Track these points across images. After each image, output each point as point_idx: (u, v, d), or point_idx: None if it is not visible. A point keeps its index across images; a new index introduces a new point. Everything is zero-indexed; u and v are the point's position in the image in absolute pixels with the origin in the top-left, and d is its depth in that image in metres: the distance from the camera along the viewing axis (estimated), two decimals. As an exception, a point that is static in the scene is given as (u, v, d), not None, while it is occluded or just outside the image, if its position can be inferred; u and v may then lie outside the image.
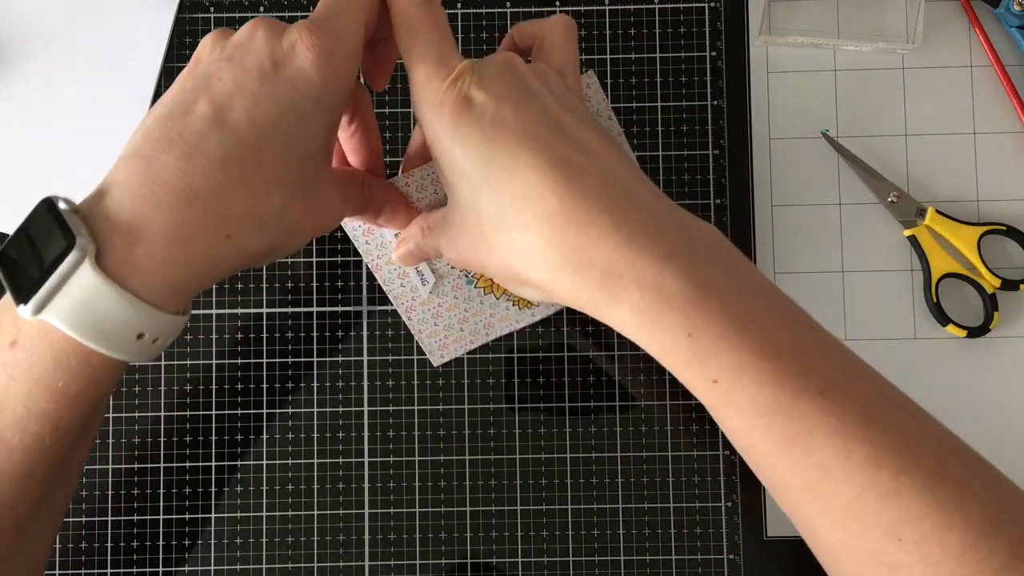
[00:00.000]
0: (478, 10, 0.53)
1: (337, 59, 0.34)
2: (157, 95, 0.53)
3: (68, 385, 0.33)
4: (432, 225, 0.40)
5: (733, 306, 0.32)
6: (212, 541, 0.51)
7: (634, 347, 0.52)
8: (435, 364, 0.46)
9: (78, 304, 0.31)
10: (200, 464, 0.52)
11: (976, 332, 0.51)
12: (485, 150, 0.33)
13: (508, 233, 0.34)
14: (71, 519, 0.51)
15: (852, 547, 0.33)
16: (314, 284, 0.52)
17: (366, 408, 0.52)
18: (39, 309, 0.31)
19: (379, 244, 0.43)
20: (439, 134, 0.34)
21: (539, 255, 0.33)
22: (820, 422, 0.32)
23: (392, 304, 0.43)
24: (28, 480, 0.34)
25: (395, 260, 0.43)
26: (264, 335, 0.52)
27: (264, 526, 0.51)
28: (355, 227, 0.43)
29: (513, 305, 0.47)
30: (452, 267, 0.45)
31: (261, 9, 0.53)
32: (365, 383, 0.52)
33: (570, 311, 0.52)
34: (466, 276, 0.46)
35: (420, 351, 0.52)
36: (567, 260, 0.33)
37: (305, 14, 0.53)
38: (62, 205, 0.32)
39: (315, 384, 0.52)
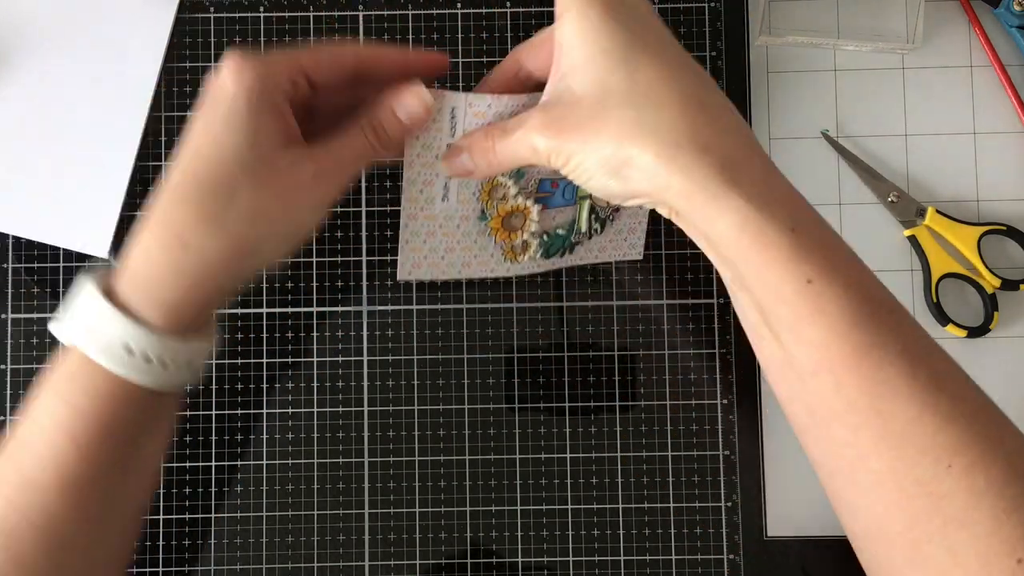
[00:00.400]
0: (478, 10, 0.53)
1: (250, 64, 0.38)
2: (157, 95, 0.53)
3: (79, 398, 0.38)
4: (508, 128, 0.41)
5: (824, 220, 0.37)
6: (212, 541, 0.51)
7: (634, 347, 0.52)
8: (399, 278, 0.45)
9: (79, 319, 0.38)
10: (200, 464, 0.52)
11: (976, 332, 0.51)
12: (640, 30, 0.37)
13: (638, 108, 0.36)
14: (71, 519, 0.51)
15: (901, 476, 0.34)
16: (314, 284, 0.52)
17: (366, 408, 0.52)
18: (59, 326, 0.39)
19: (425, 144, 0.43)
20: (592, 7, 0.37)
21: (668, 131, 0.36)
22: (893, 338, 0.35)
23: (399, 205, 0.43)
24: (58, 494, 0.38)
25: (441, 167, 0.43)
26: (264, 335, 0.52)
27: (264, 526, 0.51)
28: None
29: (501, 253, 0.47)
30: (475, 197, 0.45)
31: (261, 9, 0.53)
32: (365, 383, 0.52)
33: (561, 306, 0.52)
34: (482, 210, 0.46)
35: (420, 351, 0.52)
36: (694, 139, 0.36)
37: (305, 14, 0.53)
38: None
39: (315, 384, 0.52)
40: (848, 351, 0.35)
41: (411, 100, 0.41)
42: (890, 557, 0.35)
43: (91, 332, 0.38)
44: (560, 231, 0.47)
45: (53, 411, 0.38)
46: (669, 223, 0.38)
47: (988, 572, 0.33)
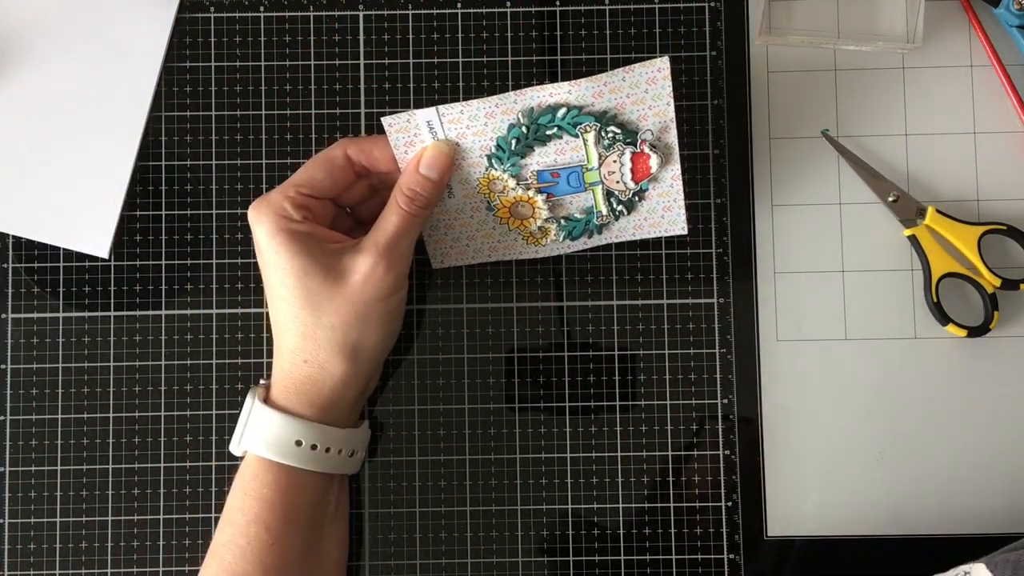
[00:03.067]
0: (478, 10, 0.53)
1: (262, 209, 0.45)
2: (157, 95, 0.53)
3: (262, 490, 0.45)
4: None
5: None
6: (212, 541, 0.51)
7: (634, 347, 0.52)
8: (434, 266, 0.50)
9: (253, 428, 0.45)
10: (200, 464, 0.52)
11: (976, 332, 0.51)
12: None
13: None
14: (71, 519, 0.51)
15: None
16: (314, 284, 0.52)
17: (366, 408, 0.52)
18: (238, 444, 0.46)
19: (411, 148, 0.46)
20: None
21: None
22: None
23: None
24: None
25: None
26: (264, 335, 0.52)
27: (264, 526, 0.51)
28: (396, 139, 0.46)
29: (522, 239, 0.49)
30: (476, 190, 0.48)
31: (261, 9, 0.53)
32: (365, 383, 0.52)
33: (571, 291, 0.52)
34: (487, 203, 0.48)
35: (420, 351, 0.52)
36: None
37: (305, 14, 0.53)
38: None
39: (315, 384, 0.52)
40: None
41: (433, 154, 0.45)
42: None
43: (263, 436, 0.45)
44: (577, 215, 0.48)
45: (244, 507, 0.45)
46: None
47: None
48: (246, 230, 0.52)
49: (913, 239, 0.51)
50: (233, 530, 0.45)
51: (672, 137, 0.46)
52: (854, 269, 0.52)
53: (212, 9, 0.54)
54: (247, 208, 0.46)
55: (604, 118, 0.45)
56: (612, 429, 0.52)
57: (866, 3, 0.53)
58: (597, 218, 0.48)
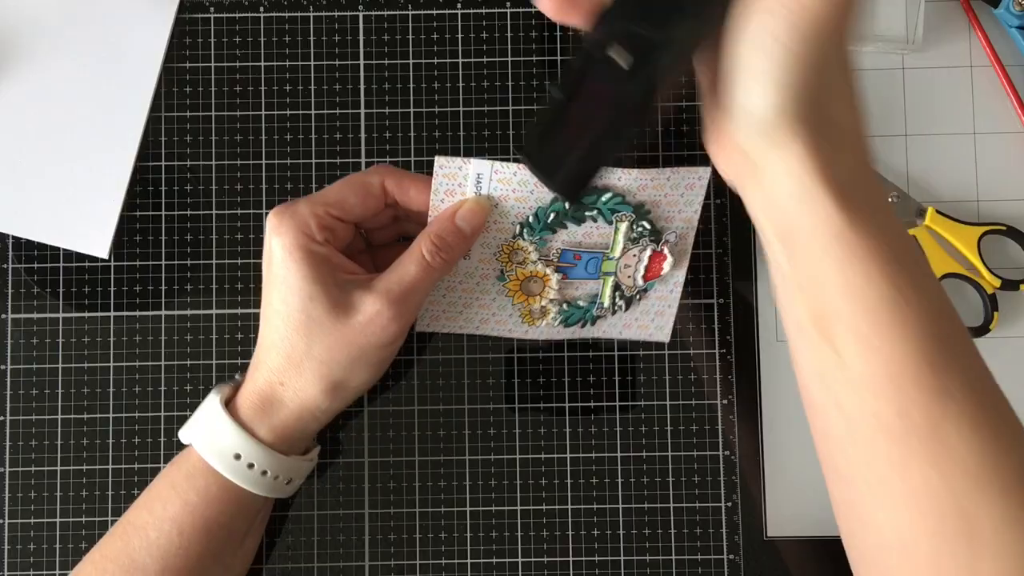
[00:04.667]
0: (478, 10, 0.53)
1: (285, 220, 0.43)
2: (157, 95, 0.53)
3: (189, 493, 0.44)
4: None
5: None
6: (212, 541, 0.51)
7: (634, 347, 0.52)
8: (417, 329, 0.48)
9: (203, 427, 0.44)
10: (200, 464, 0.52)
11: (976, 332, 0.51)
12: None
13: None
14: (71, 519, 0.51)
15: (939, 494, 0.33)
16: (314, 284, 0.52)
17: (366, 408, 0.52)
18: (186, 433, 0.45)
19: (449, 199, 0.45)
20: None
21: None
22: (968, 364, 0.34)
23: None
24: None
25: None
26: (264, 335, 0.52)
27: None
28: (440, 183, 0.44)
29: (519, 315, 0.48)
30: (495, 257, 0.46)
31: (261, 9, 0.53)
32: (365, 383, 0.52)
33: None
34: (501, 271, 0.47)
35: (420, 351, 0.52)
36: (812, 101, 0.33)
37: (305, 14, 0.53)
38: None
39: (315, 384, 0.52)
40: (923, 368, 0.33)
41: (473, 207, 0.43)
42: (903, 570, 0.34)
43: (209, 437, 0.44)
44: (581, 302, 0.47)
45: (167, 502, 0.44)
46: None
47: None
48: (246, 230, 0.52)
49: (913, 239, 0.51)
50: (149, 518, 0.44)
51: (689, 243, 0.47)
52: (854, 269, 0.52)
53: (212, 9, 0.54)
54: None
55: (640, 211, 0.45)
56: (612, 429, 0.52)
57: (866, 3, 0.53)
58: (597, 309, 0.48)
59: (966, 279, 0.51)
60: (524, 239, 0.45)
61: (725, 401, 0.52)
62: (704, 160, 0.40)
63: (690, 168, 0.44)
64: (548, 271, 0.46)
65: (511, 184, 0.44)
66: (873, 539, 0.35)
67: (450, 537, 0.51)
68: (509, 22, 0.53)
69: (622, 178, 0.44)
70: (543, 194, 0.44)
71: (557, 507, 0.51)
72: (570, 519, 0.51)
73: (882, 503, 0.34)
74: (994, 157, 0.53)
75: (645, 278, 0.47)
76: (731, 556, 0.51)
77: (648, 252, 0.46)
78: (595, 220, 0.45)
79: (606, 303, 0.47)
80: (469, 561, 0.51)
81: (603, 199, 0.44)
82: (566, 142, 0.36)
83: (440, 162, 0.43)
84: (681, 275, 0.48)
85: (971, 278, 0.51)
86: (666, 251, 0.46)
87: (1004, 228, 0.51)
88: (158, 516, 0.44)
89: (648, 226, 0.46)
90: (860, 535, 0.36)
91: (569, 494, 0.51)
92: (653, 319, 0.49)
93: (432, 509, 0.51)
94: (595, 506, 0.51)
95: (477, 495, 0.51)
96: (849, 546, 0.37)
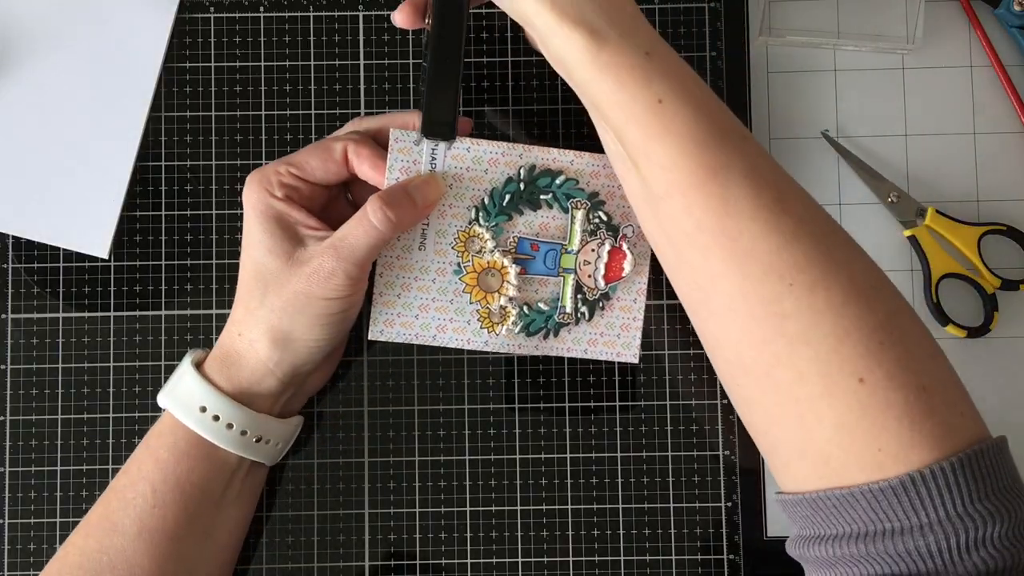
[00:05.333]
0: (478, 10, 0.53)
1: (254, 180, 0.45)
2: (157, 95, 0.53)
3: (160, 451, 0.45)
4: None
5: (677, 54, 0.40)
6: (212, 541, 0.51)
7: (634, 347, 0.52)
8: (370, 336, 0.46)
9: (172, 384, 0.46)
10: (200, 464, 0.52)
11: (976, 332, 0.51)
12: None
13: None
14: (71, 519, 0.51)
15: (749, 297, 0.36)
16: (314, 284, 0.52)
17: (366, 408, 0.52)
18: (162, 394, 0.46)
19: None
20: None
21: None
22: (739, 160, 0.37)
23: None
24: (136, 540, 0.44)
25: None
26: (264, 335, 0.52)
27: (264, 526, 0.51)
28: (395, 159, 0.45)
29: (478, 318, 0.47)
30: (451, 246, 0.46)
31: (261, 9, 0.53)
32: (365, 383, 0.52)
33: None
34: (458, 263, 0.46)
35: (420, 351, 0.52)
36: None
37: (305, 14, 0.53)
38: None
39: (315, 384, 0.52)
40: (695, 170, 0.36)
41: (427, 180, 0.45)
42: (748, 385, 0.37)
43: (176, 392, 0.45)
44: (542, 306, 0.46)
45: (141, 462, 0.45)
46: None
47: (831, 392, 0.34)
48: (246, 230, 0.52)
49: (913, 240, 0.51)
50: (126, 480, 0.45)
51: (648, 245, 0.45)
52: (854, 269, 0.52)
53: (212, 9, 0.54)
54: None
55: (595, 200, 0.46)
56: (612, 429, 0.52)
57: (866, 3, 0.53)
58: (559, 314, 0.46)
59: (966, 279, 0.51)
60: (480, 224, 0.46)
61: (725, 401, 0.52)
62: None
63: None
64: (506, 262, 0.46)
65: (466, 161, 0.45)
66: (721, 359, 0.39)
67: (450, 537, 0.51)
68: (509, 22, 0.53)
69: (574, 161, 0.45)
70: (497, 173, 0.45)
71: (557, 507, 0.51)
72: (570, 519, 0.51)
73: (714, 320, 0.38)
74: (994, 157, 0.53)
75: (606, 279, 0.46)
76: (731, 556, 0.51)
77: (607, 246, 0.46)
78: (550, 206, 0.46)
79: (568, 306, 0.46)
80: (469, 561, 0.51)
81: (557, 182, 0.45)
82: (428, 95, 0.44)
83: (395, 135, 0.44)
84: (643, 282, 0.47)
85: (971, 278, 0.51)
86: (625, 248, 0.46)
87: (1004, 228, 0.51)
88: (133, 477, 0.45)
89: (604, 217, 0.46)
90: (717, 361, 0.40)
91: (569, 494, 0.51)
92: (619, 335, 0.47)
93: (432, 509, 0.51)
94: (595, 506, 0.51)
95: (477, 495, 0.51)
96: (720, 377, 0.41)
